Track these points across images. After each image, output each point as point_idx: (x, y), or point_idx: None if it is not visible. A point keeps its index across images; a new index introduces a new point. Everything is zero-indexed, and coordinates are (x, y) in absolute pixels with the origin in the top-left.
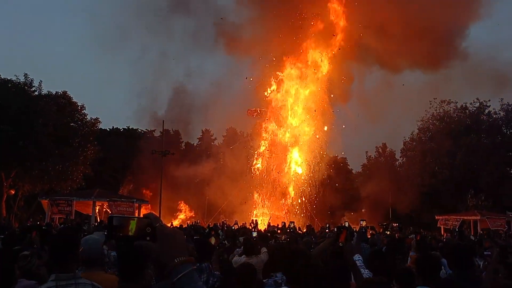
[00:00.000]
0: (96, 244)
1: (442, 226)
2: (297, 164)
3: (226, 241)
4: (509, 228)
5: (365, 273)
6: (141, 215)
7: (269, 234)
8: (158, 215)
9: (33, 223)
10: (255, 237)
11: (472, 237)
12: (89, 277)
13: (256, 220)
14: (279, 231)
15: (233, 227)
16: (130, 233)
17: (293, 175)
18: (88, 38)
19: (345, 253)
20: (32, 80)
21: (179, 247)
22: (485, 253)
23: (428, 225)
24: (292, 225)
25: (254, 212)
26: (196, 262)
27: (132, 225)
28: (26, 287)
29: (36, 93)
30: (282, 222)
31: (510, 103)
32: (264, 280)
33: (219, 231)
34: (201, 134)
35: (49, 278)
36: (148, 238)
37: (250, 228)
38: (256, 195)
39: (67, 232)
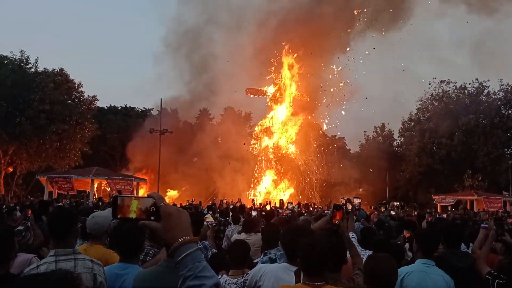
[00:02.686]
0: (103, 221)
1: (438, 204)
2: (292, 142)
3: (221, 220)
4: (505, 209)
5: (360, 250)
6: (140, 194)
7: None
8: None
9: (32, 200)
10: (254, 216)
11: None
12: (88, 249)
13: (253, 199)
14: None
15: (233, 205)
16: (130, 215)
17: (291, 154)
18: (88, 15)
19: (341, 230)
20: (28, 56)
21: (183, 227)
22: (482, 225)
23: (424, 204)
24: (290, 206)
25: (253, 192)
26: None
27: (134, 206)
28: (25, 260)
29: (33, 70)
30: (280, 200)
31: (509, 84)
32: (258, 258)
33: (217, 210)
34: (199, 113)
35: (48, 253)
36: (152, 218)
37: (249, 207)
38: (255, 175)
39: (65, 208)
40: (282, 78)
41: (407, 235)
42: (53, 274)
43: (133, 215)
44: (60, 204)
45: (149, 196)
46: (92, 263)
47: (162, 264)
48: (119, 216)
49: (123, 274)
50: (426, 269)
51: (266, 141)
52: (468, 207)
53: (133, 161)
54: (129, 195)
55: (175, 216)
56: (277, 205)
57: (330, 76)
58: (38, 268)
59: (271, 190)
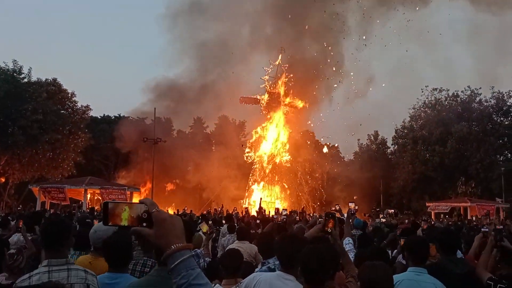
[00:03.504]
0: (105, 234)
1: (432, 211)
2: (286, 151)
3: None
4: (497, 215)
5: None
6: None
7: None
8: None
9: (23, 211)
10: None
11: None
12: (94, 262)
13: (247, 208)
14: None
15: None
16: (122, 222)
17: (285, 163)
18: (79, 24)
19: (332, 238)
20: (21, 66)
21: (176, 233)
22: (482, 229)
23: (418, 211)
24: (284, 212)
25: (247, 200)
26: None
27: (125, 212)
28: None
29: (26, 80)
30: (276, 208)
31: (501, 91)
32: (256, 269)
33: (210, 219)
34: (193, 122)
35: (41, 264)
36: (144, 224)
37: (242, 215)
38: (249, 183)
39: (58, 219)
40: (276, 86)
41: (402, 243)
42: (43, 286)
43: (124, 222)
44: (58, 212)
45: (141, 202)
46: (85, 274)
47: (153, 273)
48: (110, 224)
49: (113, 284)
50: (417, 277)
51: (260, 150)
52: (462, 214)
53: (126, 170)
54: (120, 201)
55: (168, 222)
56: (272, 214)
57: (328, 78)
58: (31, 279)
59: (265, 198)
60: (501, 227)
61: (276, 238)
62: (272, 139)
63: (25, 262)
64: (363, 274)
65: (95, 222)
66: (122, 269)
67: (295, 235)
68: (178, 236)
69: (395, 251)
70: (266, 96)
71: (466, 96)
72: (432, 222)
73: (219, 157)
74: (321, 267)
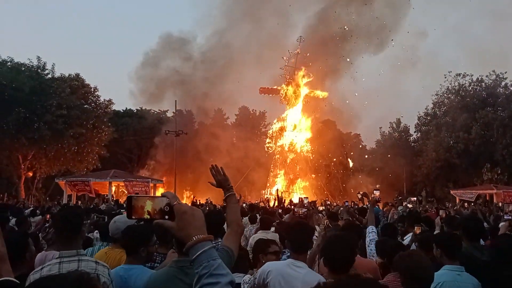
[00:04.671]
0: (123, 225)
1: (457, 197)
2: (307, 140)
3: None
4: None
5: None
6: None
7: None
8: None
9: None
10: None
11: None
12: (109, 252)
13: (268, 198)
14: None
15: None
16: (145, 215)
17: (307, 153)
18: (103, 20)
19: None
20: (45, 63)
21: (197, 225)
22: (505, 217)
23: (442, 199)
24: (306, 201)
25: (268, 191)
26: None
27: (148, 206)
28: (45, 258)
29: (49, 75)
30: (299, 198)
31: None
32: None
33: None
34: (213, 113)
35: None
36: (166, 217)
37: (263, 205)
38: (270, 173)
39: (70, 212)
40: (295, 76)
41: (417, 231)
42: (69, 275)
43: (147, 215)
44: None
45: (163, 196)
46: (96, 264)
47: (172, 265)
48: (133, 217)
49: (127, 277)
50: (458, 277)
51: (282, 140)
52: (487, 200)
53: (150, 163)
54: (143, 195)
55: (189, 214)
56: (293, 202)
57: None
58: (42, 270)
59: (287, 188)
60: None
61: (290, 224)
62: (293, 129)
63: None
64: (401, 264)
65: (124, 213)
66: (137, 258)
67: (306, 223)
68: (198, 227)
69: (409, 238)
70: (286, 87)
71: (490, 81)
72: (450, 212)
73: (240, 147)
74: (350, 255)
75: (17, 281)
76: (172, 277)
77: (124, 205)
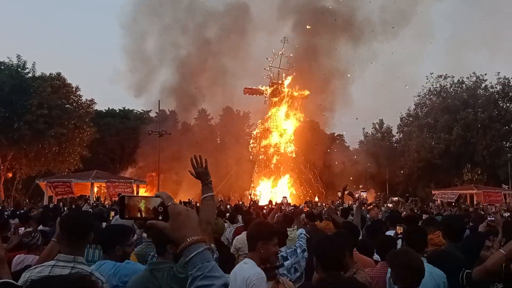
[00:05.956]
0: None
1: (439, 199)
2: (291, 141)
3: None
4: (504, 202)
5: None
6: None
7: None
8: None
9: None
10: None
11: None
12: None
13: (254, 200)
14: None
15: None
16: (138, 215)
17: (290, 153)
18: (84, 19)
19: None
20: (25, 61)
21: (192, 226)
22: (488, 218)
23: (424, 199)
24: (285, 201)
25: (252, 192)
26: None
27: (141, 206)
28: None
29: (30, 74)
30: (283, 197)
31: (506, 77)
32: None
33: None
34: (197, 114)
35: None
36: (160, 218)
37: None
38: (254, 174)
39: (79, 213)
40: (280, 76)
41: (399, 231)
42: (70, 276)
43: (141, 215)
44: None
45: (157, 196)
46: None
47: (146, 268)
48: (126, 217)
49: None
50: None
51: (265, 141)
52: (468, 202)
53: (133, 164)
54: (137, 195)
55: (184, 215)
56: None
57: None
58: (35, 270)
59: (271, 189)
60: (508, 214)
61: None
62: (276, 130)
63: (41, 241)
64: (394, 260)
65: (112, 213)
66: (111, 256)
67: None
68: (193, 229)
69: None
70: (269, 88)
71: (471, 83)
72: (432, 211)
73: (224, 147)
74: (340, 255)
75: (16, 283)
76: (145, 281)
77: (107, 206)
